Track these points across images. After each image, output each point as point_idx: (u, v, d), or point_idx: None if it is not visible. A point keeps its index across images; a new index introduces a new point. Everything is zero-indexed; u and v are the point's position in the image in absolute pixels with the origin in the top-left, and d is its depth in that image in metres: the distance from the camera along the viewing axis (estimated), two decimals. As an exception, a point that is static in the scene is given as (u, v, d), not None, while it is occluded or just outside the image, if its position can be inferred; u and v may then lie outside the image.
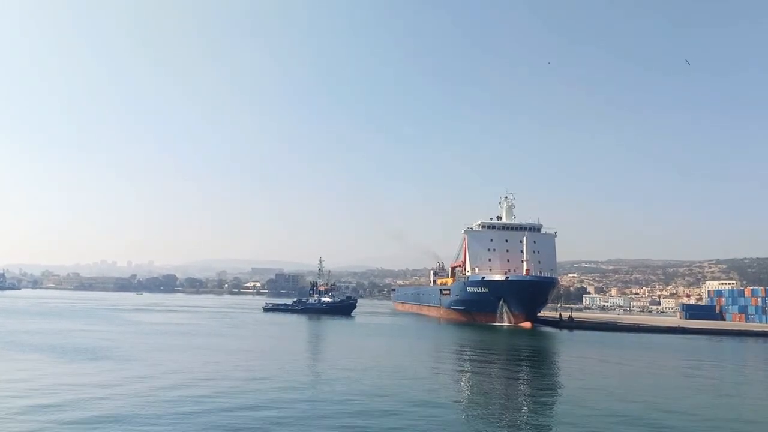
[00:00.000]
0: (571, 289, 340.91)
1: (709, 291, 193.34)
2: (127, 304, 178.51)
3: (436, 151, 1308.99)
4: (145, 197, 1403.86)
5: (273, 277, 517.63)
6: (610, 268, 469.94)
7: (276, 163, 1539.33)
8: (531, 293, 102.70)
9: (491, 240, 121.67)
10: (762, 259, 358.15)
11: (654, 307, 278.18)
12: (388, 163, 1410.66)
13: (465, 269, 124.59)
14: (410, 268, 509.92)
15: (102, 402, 28.43)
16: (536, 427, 26.79)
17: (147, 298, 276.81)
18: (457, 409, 30.48)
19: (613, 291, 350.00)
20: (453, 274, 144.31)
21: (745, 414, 31.56)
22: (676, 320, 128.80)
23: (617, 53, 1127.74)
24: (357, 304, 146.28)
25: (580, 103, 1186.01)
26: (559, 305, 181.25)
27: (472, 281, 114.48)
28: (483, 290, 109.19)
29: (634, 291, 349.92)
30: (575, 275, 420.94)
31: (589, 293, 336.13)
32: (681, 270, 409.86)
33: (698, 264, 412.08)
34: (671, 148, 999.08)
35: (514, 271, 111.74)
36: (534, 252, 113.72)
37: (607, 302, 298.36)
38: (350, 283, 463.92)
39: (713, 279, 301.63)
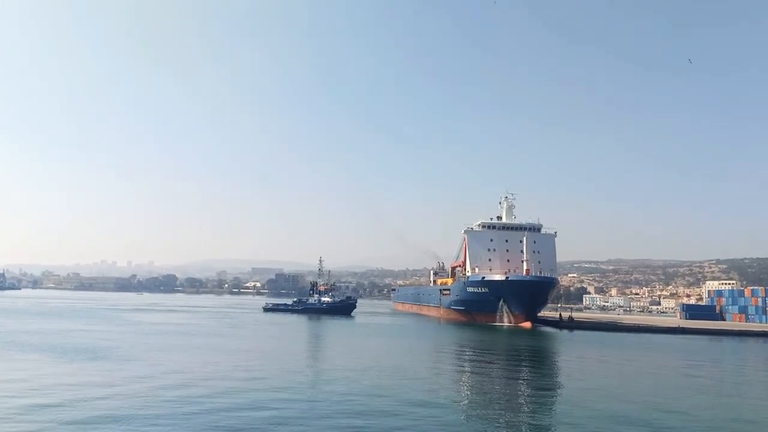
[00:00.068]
0: (571, 289, 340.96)
1: (709, 291, 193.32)
2: (127, 304, 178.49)
3: (436, 151, 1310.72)
4: (145, 197, 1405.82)
5: (273, 277, 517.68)
6: (610, 268, 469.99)
7: (276, 163, 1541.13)
8: (531, 293, 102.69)
9: (491, 240, 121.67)
10: (762, 259, 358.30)
11: (654, 308, 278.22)
12: (388, 163, 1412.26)
13: (465, 269, 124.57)
14: (410, 268, 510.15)
15: (102, 402, 28.41)
16: (536, 427, 26.76)
17: (147, 298, 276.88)
18: (457, 410, 30.46)
19: (613, 291, 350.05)
20: (453, 274, 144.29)
21: (745, 414, 31.53)
22: (676, 320, 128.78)
23: (617, 53, 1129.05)
24: (357, 304, 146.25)
25: (580, 103, 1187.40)
26: (559, 305, 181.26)
27: (472, 281, 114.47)
28: (483, 290, 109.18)
29: (634, 291, 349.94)
30: (575, 275, 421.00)
31: (589, 293, 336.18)
32: (681, 270, 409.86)
33: (698, 264, 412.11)
34: (671, 148, 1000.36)
35: (514, 271, 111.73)
36: (534, 252, 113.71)
37: (607, 302, 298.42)
38: (350, 283, 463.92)
39: (713, 279, 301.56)
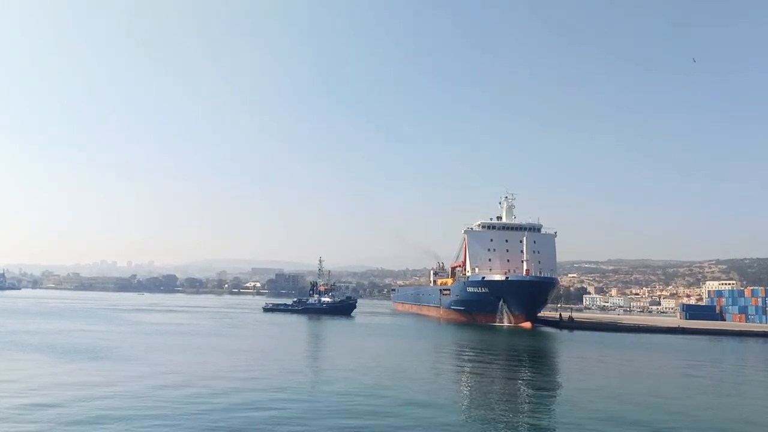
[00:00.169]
0: (571, 289, 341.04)
1: (709, 291, 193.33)
2: (127, 304, 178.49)
3: (436, 151, 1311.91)
4: (145, 197, 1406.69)
5: (273, 277, 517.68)
6: (610, 268, 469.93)
7: (276, 163, 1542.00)
8: (531, 293, 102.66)
9: (491, 240, 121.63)
10: (762, 259, 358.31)
11: (654, 308, 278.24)
12: (388, 163, 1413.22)
13: (465, 269, 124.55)
14: (410, 268, 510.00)
15: (102, 402, 28.37)
16: (536, 428, 26.75)
17: (147, 298, 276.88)
18: (457, 410, 30.45)
19: (613, 291, 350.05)
20: (453, 274, 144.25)
21: (745, 415, 31.53)
22: (676, 320, 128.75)
23: (617, 53, 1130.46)
24: (357, 305, 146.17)
25: (580, 103, 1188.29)
26: (559, 305, 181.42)
27: (472, 281, 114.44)
28: (483, 290, 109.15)
29: (634, 291, 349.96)
30: (575, 275, 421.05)
31: (589, 293, 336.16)
32: (681, 270, 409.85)
33: (698, 264, 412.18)
34: (671, 148, 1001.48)
35: (514, 271, 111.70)
36: (534, 252, 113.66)
37: (607, 302, 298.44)
38: (350, 283, 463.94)
39: (713, 279, 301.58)
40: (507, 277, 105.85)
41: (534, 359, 58.24)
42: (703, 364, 56.24)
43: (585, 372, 47.54)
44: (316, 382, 38.22)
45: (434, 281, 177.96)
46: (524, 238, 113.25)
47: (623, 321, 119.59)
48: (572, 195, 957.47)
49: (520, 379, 43.01)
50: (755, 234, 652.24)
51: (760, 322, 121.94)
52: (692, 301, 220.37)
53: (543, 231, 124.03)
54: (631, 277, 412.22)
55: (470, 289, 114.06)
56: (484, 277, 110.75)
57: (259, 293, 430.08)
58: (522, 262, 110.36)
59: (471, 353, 61.80)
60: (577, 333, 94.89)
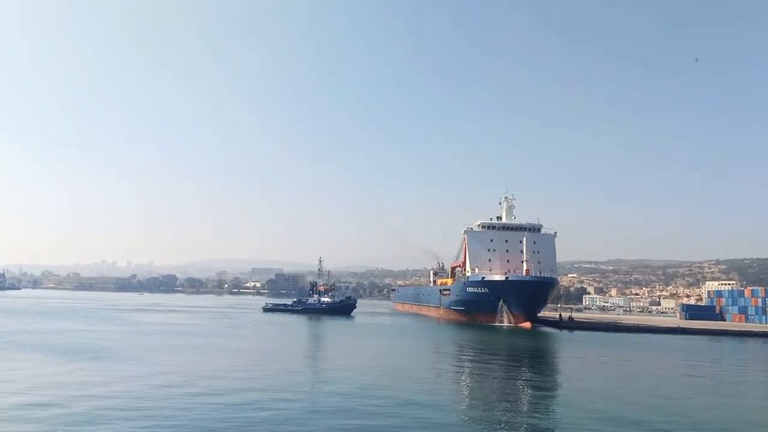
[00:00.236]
0: (571, 289, 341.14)
1: (709, 291, 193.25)
2: (127, 304, 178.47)
3: (436, 151, 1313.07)
4: (145, 197, 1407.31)
5: (273, 277, 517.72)
6: (610, 268, 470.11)
7: (276, 163, 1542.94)
8: (531, 293, 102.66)
9: (491, 240, 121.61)
10: (762, 259, 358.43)
11: (654, 308, 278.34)
12: (388, 163, 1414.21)
13: (465, 269, 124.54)
14: (410, 268, 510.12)
15: (102, 402, 28.37)
16: (536, 428, 26.76)
17: (147, 298, 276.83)
18: (457, 410, 30.47)
19: (613, 291, 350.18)
20: (453, 275, 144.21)
21: (745, 415, 31.53)
22: (676, 321, 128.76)
23: (617, 53, 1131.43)
24: (357, 305, 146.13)
25: (580, 103, 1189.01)
26: (559, 305, 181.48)
27: (472, 281, 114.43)
28: (483, 290, 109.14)
29: (634, 291, 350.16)
30: (575, 275, 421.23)
31: (589, 293, 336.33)
32: (681, 270, 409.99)
33: (698, 264, 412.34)
34: (671, 148, 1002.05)
35: (514, 271, 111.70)
36: (534, 252, 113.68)
37: (607, 303, 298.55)
38: (350, 283, 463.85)
39: (713, 279, 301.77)
40: (507, 278, 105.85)
41: (534, 359, 58.24)
42: (703, 365, 56.25)
43: (585, 372, 47.54)
44: (316, 382, 38.21)
45: (434, 281, 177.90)
46: (524, 238, 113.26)
47: (623, 321, 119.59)
48: (572, 195, 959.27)
49: (520, 379, 42.99)
50: (755, 234, 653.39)
51: (760, 323, 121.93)
52: (692, 302, 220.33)
53: (543, 231, 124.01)
54: (631, 278, 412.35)
55: (470, 290, 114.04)
56: (484, 278, 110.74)
57: (259, 293, 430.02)
58: (522, 262, 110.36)
59: (471, 353, 61.81)
60: (577, 333, 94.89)
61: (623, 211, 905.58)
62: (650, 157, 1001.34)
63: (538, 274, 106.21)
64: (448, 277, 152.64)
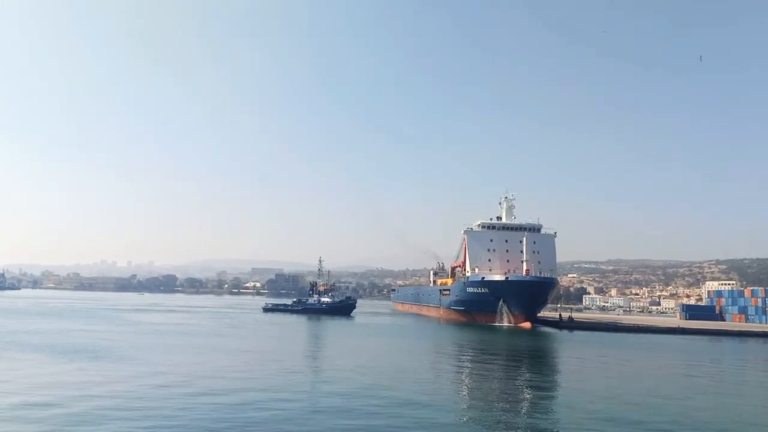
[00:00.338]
0: (571, 289, 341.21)
1: (708, 291, 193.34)
2: (127, 304, 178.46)
3: (436, 151, 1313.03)
4: (145, 197, 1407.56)
5: (273, 277, 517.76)
6: (610, 268, 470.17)
7: (276, 163, 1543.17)
8: (531, 293, 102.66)
9: (491, 240, 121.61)
10: (762, 259, 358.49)
11: (654, 308, 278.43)
12: (388, 163, 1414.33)
13: (465, 269, 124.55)
14: (410, 268, 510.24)
15: (102, 402, 28.35)
16: (536, 428, 26.72)
17: (147, 298, 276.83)
18: (457, 410, 30.46)
19: (613, 291, 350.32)
20: (453, 275, 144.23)
21: (745, 415, 31.53)
22: (676, 321, 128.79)
23: (617, 53, 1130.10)
24: (357, 305, 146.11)
25: (580, 103, 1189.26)
26: (558, 305, 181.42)
27: (472, 281, 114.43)
28: (483, 290, 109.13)
29: (633, 291, 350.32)
30: (575, 275, 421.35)
31: (589, 294, 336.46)
32: (681, 270, 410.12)
33: (698, 264, 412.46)
34: (671, 148, 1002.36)
35: (514, 271, 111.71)
36: (534, 252, 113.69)
37: (607, 303, 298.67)
38: (350, 283, 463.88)
39: (713, 279, 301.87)
40: (507, 278, 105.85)
41: (534, 359, 58.23)
42: (703, 365, 56.26)
43: (585, 372, 47.51)
44: (316, 382, 38.20)
45: (434, 281, 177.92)
46: (524, 238, 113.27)
47: (623, 321, 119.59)
48: (572, 195, 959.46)
49: (520, 380, 42.98)
50: (755, 234, 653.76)
51: (760, 323, 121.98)
52: (692, 302, 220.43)
53: (543, 231, 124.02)
54: (631, 278, 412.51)
55: (470, 290, 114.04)
56: (483, 278, 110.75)
57: (258, 293, 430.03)
58: (522, 262, 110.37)
59: (471, 353, 61.80)
60: (577, 333, 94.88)
61: (623, 211, 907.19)
62: (650, 157, 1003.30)
63: (538, 274, 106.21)
64: (448, 277, 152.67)
